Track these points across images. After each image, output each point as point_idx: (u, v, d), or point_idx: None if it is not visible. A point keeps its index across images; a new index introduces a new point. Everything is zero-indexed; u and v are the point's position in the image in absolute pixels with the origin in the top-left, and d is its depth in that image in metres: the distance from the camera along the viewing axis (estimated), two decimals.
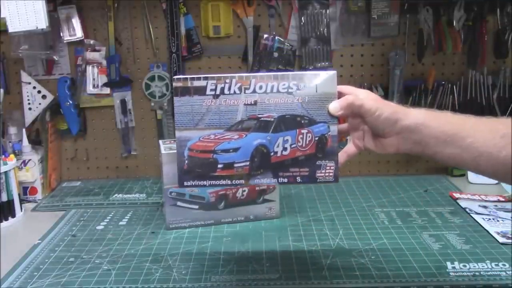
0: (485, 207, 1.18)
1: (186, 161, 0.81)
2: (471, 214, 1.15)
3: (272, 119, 0.81)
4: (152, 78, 1.43)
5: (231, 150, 0.81)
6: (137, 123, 1.47)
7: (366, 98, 0.79)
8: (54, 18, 1.33)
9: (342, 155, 0.83)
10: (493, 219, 1.11)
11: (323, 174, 0.81)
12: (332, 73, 0.81)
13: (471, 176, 1.37)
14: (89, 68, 1.41)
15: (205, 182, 0.81)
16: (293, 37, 1.41)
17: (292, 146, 0.81)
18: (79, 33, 1.37)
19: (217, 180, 0.81)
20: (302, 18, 1.40)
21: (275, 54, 1.40)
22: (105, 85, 1.42)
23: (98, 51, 1.41)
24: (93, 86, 1.43)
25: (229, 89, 0.81)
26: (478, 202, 1.21)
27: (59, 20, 1.36)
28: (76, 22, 1.36)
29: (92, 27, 1.41)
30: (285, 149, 0.81)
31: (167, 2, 1.38)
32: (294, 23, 1.41)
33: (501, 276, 0.88)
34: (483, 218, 1.12)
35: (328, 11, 1.39)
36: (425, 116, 0.78)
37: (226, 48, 1.42)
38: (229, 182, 0.81)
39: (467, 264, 0.92)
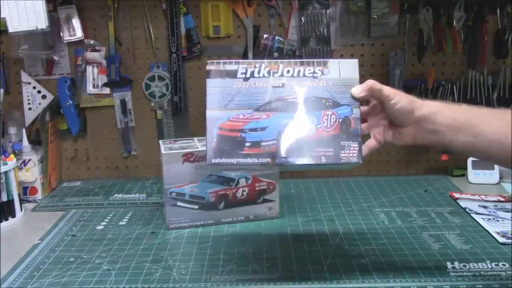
0: (485, 207, 1.18)
1: (215, 140, 0.83)
2: (471, 214, 1.15)
3: (298, 101, 0.84)
4: (152, 78, 1.43)
5: (258, 129, 0.83)
6: (137, 123, 1.47)
7: (386, 86, 0.83)
8: (54, 18, 1.33)
9: (364, 149, 0.87)
10: (493, 219, 1.11)
11: (346, 155, 0.84)
12: (354, 60, 0.86)
13: (471, 176, 1.37)
14: (89, 68, 1.42)
15: (232, 160, 0.83)
16: (293, 37, 1.41)
17: (318, 126, 0.84)
18: (79, 33, 1.37)
19: (244, 158, 0.83)
20: (302, 18, 1.40)
21: (275, 54, 1.40)
22: (105, 85, 1.42)
23: (98, 51, 1.41)
24: (93, 86, 1.43)
25: (259, 72, 0.85)
26: (478, 202, 1.21)
27: (59, 20, 1.35)
28: (76, 22, 1.36)
29: (92, 27, 1.41)
30: (310, 129, 0.84)
31: (167, 2, 1.38)
32: (294, 23, 1.41)
33: (501, 276, 0.88)
34: (483, 218, 1.12)
35: (328, 11, 1.39)
36: (439, 105, 0.83)
37: (226, 48, 1.42)
38: (256, 160, 0.83)
39: (467, 264, 0.92)
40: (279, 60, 0.87)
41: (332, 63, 0.85)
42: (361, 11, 1.39)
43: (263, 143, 0.83)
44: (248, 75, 0.85)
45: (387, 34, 1.39)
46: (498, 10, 1.34)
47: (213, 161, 0.83)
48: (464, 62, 1.40)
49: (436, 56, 1.41)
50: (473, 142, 0.79)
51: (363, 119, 0.87)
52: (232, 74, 0.85)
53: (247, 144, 0.83)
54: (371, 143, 0.89)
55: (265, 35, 1.40)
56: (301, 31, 1.40)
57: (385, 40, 1.41)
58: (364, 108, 0.88)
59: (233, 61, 0.86)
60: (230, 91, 0.84)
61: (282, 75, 0.85)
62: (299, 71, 0.85)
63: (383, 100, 0.83)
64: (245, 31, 1.41)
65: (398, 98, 0.82)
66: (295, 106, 0.84)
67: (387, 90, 0.83)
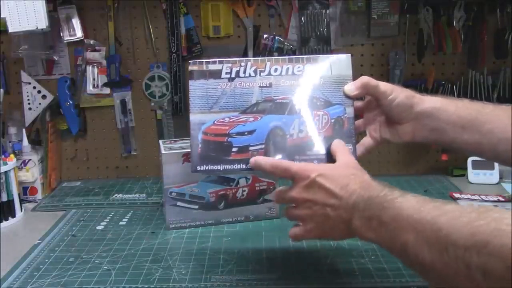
0: None
1: (200, 145, 0.79)
2: None
3: (288, 101, 0.80)
4: (152, 78, 1.43)
5: (246, 133, 0.79)
6: (137, 123, 1.46)
7: (381, 82, 0.78)
8: (54, 18, 1.33)
9: (359, 148, 0.82)
10: None
11: None
12: (346, 55, 0.81)
13: (471, 176, 1.37)
14: (89, 68, 1.42)
15: (219, 167, 0.79)
16: (293, 37, 1.41)
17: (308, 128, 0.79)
18: (79, 33, 1.37)
19: (231, 164, 0.79)
20: (302, 18, 1.40)
21: (275, 54, 1.40)
22: (105, 85, 1.42)
23: (98, 51, 1.41)
24: (93, 86, 1.43)
25: (244, 72, 0.81)
26: (478, 202, 1.21)
27: (59, 20, 1.36)
28: (76, 22, 1.36)
29: (92, 27, 1.41)
30: (301, 131, 0.79)
31: (167, 2, 1.38)
32: (294, 23, 1.41)
33: None
34: None
35: (328, 11, 1.39)
36: (441, 101, 0.77)
37: (226, 48, 1.42)
38: (243, 166, 0.79)
39: None
40: (266, 58, 0.82)
41: (323, 59, 0.81)
42: (361, 11, 1.39)
43: (251, 148, 0.79)
44: (233, 75, 0.81)
45: (387, 34, 1.39)
46: (498, 10, 1.34)
47: (198, 168, 0.80)
48: (464, 62, 1.40)
49: (436, 56, 1.41)
50: (479, 140, 0.74)
51: (358, 115, 0.82)
52: (216, 75, 0.81)
53: (234, 149, 0.79)
54: (366, 141, 0.84)
55: (265, 35, 1.40)
56: (301, 31, 1.40)
57: (385, 40, 1.41)
58: (358, 103, 0.83)
59: (217, 60, 0.82)
60: (215, 93, 0.80)
61: (269, 74, 0.81)
62: (287, 69, 0.80)
63: (380, 96, 0.78)
64: (245, 31, 1.41)
65: (396, 94, 0.77)
66: (284, 107, 0.80)
67: (383, 86, 0.78)
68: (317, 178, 0.70)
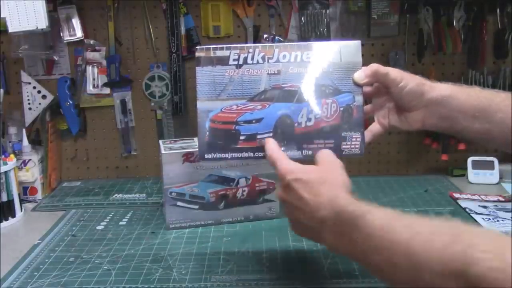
0: (485, 207, 1.18)
1: (208, 133, 0.79)
2: (471, 214, 1.15)
3: (296, 89, 0.79)
4: (152, 78, 1.43)
5: (253, 121, 0.79)
6: (137, 123, 1.47)
7: (391, 69, 0.77)
8: (54, 18, 1.33)
9: (367, 134, 0.81)
10: (493, 219, 1.11)
11: (348, 146, 0.79)
12: (356, 42, 0.80)
13: (471, 176, 1.37)
14: (89, 68, 1.41)
15: (226, 155, 0.79)
16: (293, 37, 1.41)
17: (317, 116, 0.79)
18: (79, 33, 1.37)
19: (239, 152, 0.79)
20: (302, 18, 1.40)
21: None
22: (105, 85, 1.42)
23: (98, 51, 1.41)
24: (93, 86, 1.43)
25: (252, 58, 0.80)
26: (478, 202, 1.21)
27: (59, 20, 1.35)
28: (76, 22, 1.36)
29: (92, 27, 1.41)
30: (309, 119, 0.79)
31: (167, 2, 1.38)
32: (294, 23, 1.41)
33: None
34: (483, 218, 1.12)
35: (328, 11, 1.39)
36: (452, 89, 0.77)
37: None
38: (251, 154, 0.79)
39: None
40: (274, 44, 0.81)
41: (332, 46, 0.80)
42: (361, 11, 1.39)
43: (259, 136, 0.78)
44: (241, 62, 0.79)
45: (387, 34, 1.39)
46: (498, 10, 1.34)
47: (206, 156, 0.79)
48: (464, 62, 1.40)
49: (436, 56, 1.41)
50: (490, 129, 0.74)
51: (366, 100, 0.82)
52: (224, 61, 0.79)
53: (241, 138, 0.79)
54: (375, 127, 0.83)
55: (265, 35, 1.40)
56: (301, 31, 1.40)
57: (385, 40, 1.41)
58: (367, 89, 0.81)
59: (224, 46, 0.80)
60: (222, 80, 0.79)
61: (277, 60, 0.79)
62: (296, 55, 0.79)
63: (390, 84, 0.77)
64: (245, 31, 1.41)
65: (406, 81, 0.76)
66: (293, 95, 0.79)
67: (393, 73, 0.77)
68: (292, 182, 0.70)
